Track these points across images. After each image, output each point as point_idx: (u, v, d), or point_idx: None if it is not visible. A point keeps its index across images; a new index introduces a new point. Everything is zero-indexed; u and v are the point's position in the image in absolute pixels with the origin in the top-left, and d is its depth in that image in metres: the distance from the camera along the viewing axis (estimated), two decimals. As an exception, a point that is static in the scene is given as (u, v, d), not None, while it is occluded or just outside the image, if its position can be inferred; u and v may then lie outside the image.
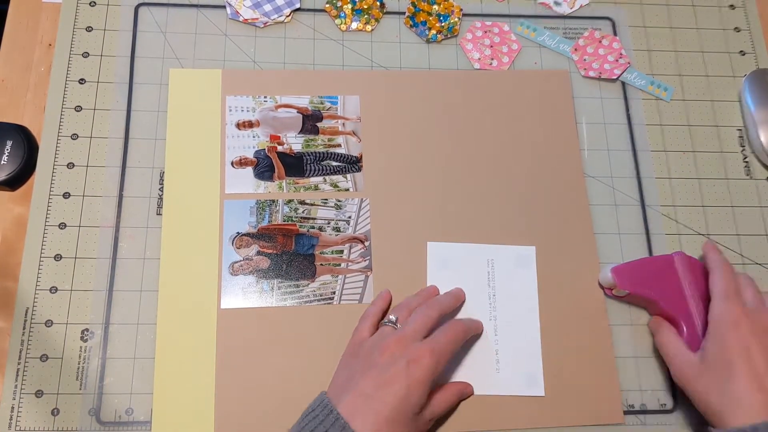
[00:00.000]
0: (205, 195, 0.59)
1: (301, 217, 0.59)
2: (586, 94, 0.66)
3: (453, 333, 0.52)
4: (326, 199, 0.59)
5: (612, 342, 0.57)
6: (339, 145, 0.61)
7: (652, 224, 0.62)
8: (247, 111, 0.61)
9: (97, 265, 0.56)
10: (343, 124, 0.62)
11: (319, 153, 0.61)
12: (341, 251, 0.58)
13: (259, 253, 0.58)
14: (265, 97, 0.62)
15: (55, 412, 0.52)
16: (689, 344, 0.53)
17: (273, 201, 0.59)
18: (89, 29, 0.64)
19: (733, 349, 0.49)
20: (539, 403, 0.55)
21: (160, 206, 0.58)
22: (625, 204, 0.63)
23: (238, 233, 0.58)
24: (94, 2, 0.65)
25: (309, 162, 0.60)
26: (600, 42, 0.68)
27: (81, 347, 0.54)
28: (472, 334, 0.55)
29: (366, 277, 0.58)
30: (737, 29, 0.71)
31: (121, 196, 0.59)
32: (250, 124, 0.61)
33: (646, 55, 0.69)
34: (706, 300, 0.54)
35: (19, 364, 0.53)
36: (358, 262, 0.58)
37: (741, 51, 0.70)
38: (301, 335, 0.55)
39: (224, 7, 0.66)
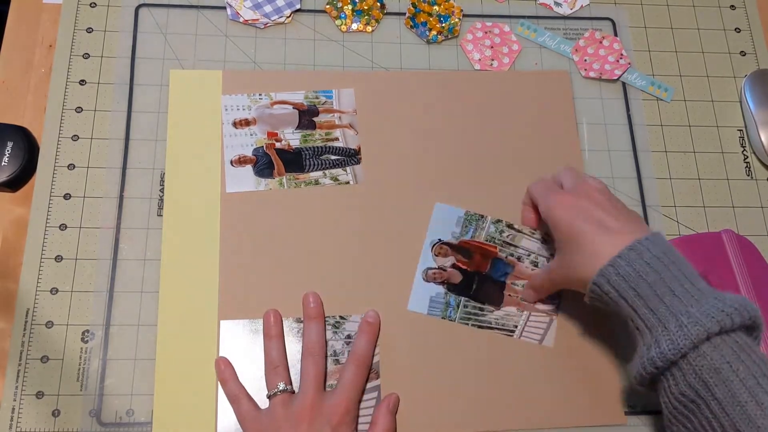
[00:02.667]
0: (206, 196, 0.59)
1: (504, 241, 0.58)
2: (587, 94, 0.66)
3: (355, 366, 0.52)
4: (534, 231, 0.59)
5: (612, 342, 0.58)
6: (336, 139, 0.61)
7: (653, 224, 0.62)
8: (243, 109, 0.61)
9: (98, 266, 0.56)
10: (340, 117, 0.62)
11: (318, 147, 0.61)
12: None
13: (454, 266, 0.57)
14: (260, 94, 0.62)
15: (55, 413, 0.52)
16: None
17: (481, 216, 0.59)
18: (90, 30, 0.64)
19: (568, 225, 0.49)
20: (541, 403, 0.55)
21: (160, 207, 0.58)
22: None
23: (440, 240, 0.58)
24: (95, 3, 0.65)
25: (308, 157, 0.60)
26: (600, 43, 0.68)
27: (82, 348, 0.54)
28: (375, 341, 0.54)
29: (551, 320, 0.57)
30: (737, 29, 0.71)
31: (121, 197, 0.59)
32: (247, 122, 0.61)
33: (647, 56, 0.69)
34: (756, 276, 0.55)
35: (19, 365, 0.53)
36: (546, 304, 0.57)
37: (741, 51, 0.70)
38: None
39: (225, 8, 0.66)
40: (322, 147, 0.61)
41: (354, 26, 0.67)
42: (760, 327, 0.44)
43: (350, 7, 0.67)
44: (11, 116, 0.61)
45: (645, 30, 0.70)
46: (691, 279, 0.45)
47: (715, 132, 0.67)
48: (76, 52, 0.63)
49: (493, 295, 0.57)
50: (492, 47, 0.67)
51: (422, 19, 0.67)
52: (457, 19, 0.67)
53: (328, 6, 0.67)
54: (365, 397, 0.53)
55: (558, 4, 0.70)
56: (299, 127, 0.61)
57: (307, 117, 0.62)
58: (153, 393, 0.53)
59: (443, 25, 0.67)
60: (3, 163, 0.57)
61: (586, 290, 0.48)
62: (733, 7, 0.72)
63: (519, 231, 0.58)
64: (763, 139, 0.64)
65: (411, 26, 0.67)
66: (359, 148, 0.61)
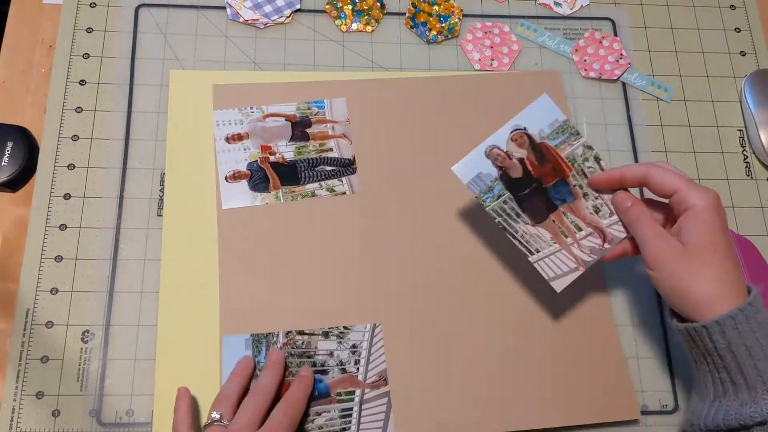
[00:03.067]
0: (207, 195, 0.58)
1: (582, 170, 0.53)
2: (587, 94, 0.66)
3: (290, 408, 0.49)
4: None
5: (619, 341, 0.58)
6: (331, 149, 0.61)
7: (653, 225, 0.62)
8: (235, 124, 0.61)
9: (98, 267, 0.56)
10: (333, 127, 0.62)
11: (312, 159, 0.60)
12: (580, 229, 0.52)
13: (521, 161, 0.53)
14: (251, 108, 0.61)
15: (55, 413, 0.52)
16: None
17: (578, 132, 0.52)
18: (90, 30, 0.64)
19: (720, 234, 0.46)
20: (552, 401, 0.55)
21: (160, 207, 0.58)
22: (625, 204, 0.63)
23: (525, 128, 0.53)
24: (95, 3, 0.65)
25: (303, 169, 0.60)
26: (600, 43, 0.68)
27: (81, 348, 0.54)
28: (308, 392, 0.52)
29: (577, 268, 0.52)
30: (737, 29, 0.71)
31: (121, 198, 0.59)
32: (239, 137, 0.60)
33: (647, 56, 0.69)
34: (756, 276, 0.55)
35: (19, 365, 0.53)
36: (583, 252, 0.52)
37: (741, 51, 0.70)
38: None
39: (224, 8, 0.66)
40: (316, 158, 0.60)
41: (354, 26, 0.67)
42: None
43: (350, 7, 0.67)
44: (11, 116, 0.61)
45: (645, 30, 0.70)
46: None
47: (715, 132, 0.67)
48: (76, 52, 0.63)
49: (537, 210, 0.52)
50: (492, 47, 0.67)
51: (422, 19, 0.67)
52: (456, 19, 0.67)
53: (328, 6, 0.67)
54: (375, 403, 0.53)
55: (558, 4, 0.70)
56: (292, 139, 0.61)
57: (299, 128, 0.61)
58: (153, 393, 0.53)
59: (443, 25, 0.67)
60: (3, 163, 0.57)
61: (682, 301, 0.46)
62: (733, 7, 0.72)
63: (603, 169, 0.53)
64: (763, 139, 0.64)
65: (411, 26, 0.67)
66: (354, 158, 0.61)
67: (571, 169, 0.53)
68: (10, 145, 0.58)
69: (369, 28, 0.67)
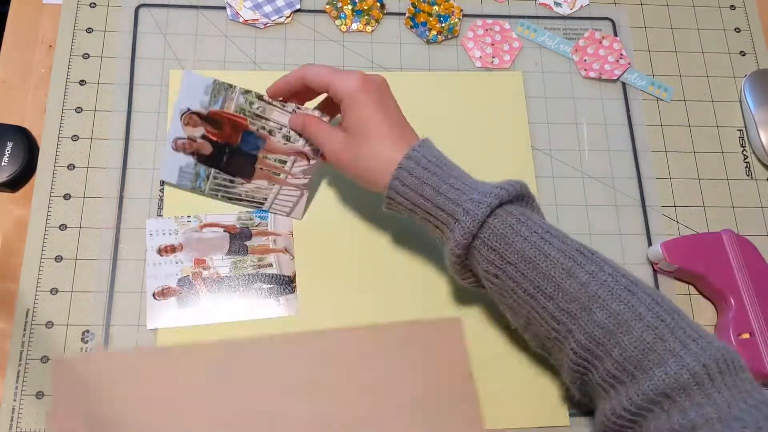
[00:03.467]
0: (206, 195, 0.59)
1: (255, 114, 0.55)
2: (587, 94, 0.66)
3: None
4: (285, 103, 0.55)
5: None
6: (270, 265, 0.57)
7: (653, 225, 0.62)
8: (170, 234, 0.57)
9: (98, 267, 0.56)
10: (275, 240, 0.58)
11: (249, 276, 0.56)
12: (285, 162, 0.56)
13: (204, 137, 0.56)
14: (188, 217, 0.58)
15: (55, 413, 0.52)
16: (737, 320, 0.55)
17: (230, 85, 0.54)
18: (89, 30, 0.64)
19: (370, 112, 0.50)
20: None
21: (160, 207, 0.58)
22: (625, 205, 0.63)
23: (189, 109, 0.55)
24: (95, 3, 0.65)
25: (238, 287, 0.56)
26: (600, 43, 0.68)
27: (81, 348, 0.54)
28: None
29: (301, 193, 0.57)
30: (737, 29, 0.71)
31: (121, 198, 0.59)
32: (173, 249, 0.57)
33: (647, 56, 0.69)
34: (755, 276, 0.56)
35: (19, 365, 0.53)
36: (298, 178, 0.56)
37: (741, 51, 0.70)
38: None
39: (224, 8, 0.66)
40: (254, 274, 0.56)
41: (354, 26, 0.67)
42: (531, 196, 0.50)
43: (350, 7, 0.67)
44: (11, 116, 0.61)
45: (645, 30, 0.70)
46: (463, 177, 0.49)
47: (715, 132, 0.67)
48: (76, 52, 0.63)
49: (243, 168, 0.56)
50: (493, 44, 0.67)
51: (422, 19, 0.67)
52: (456, 19, 0.67)
53: (328, 6, 0.67)
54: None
55: (558, 4, 0.70)
56: (230, 252, 0.57)
57: (239, 241, 0.57)
58: (153, 393, 0.53)
59: (443, 25, 0.67)
60: (3, 163, 0.57)
61: (366, 182, 0.51)
62: (733, 7, 0.72)
63: (269, 103, 0.55)
64: (763, 139, 0.64)
65: (411, 26, 0.67)
66: (294, 275, 0.57)
67: (245, 118, 0.55)
68: (10, 145, 0.58)
69: (369, 28, 0.67)
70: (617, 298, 0.44)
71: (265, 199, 0.56)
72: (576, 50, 0.68)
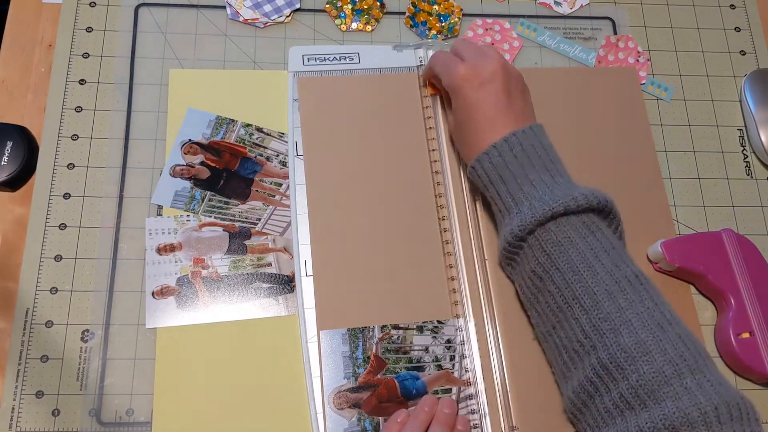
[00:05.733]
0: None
1: (254, 143, 0.59)
2: (587, 94, 0.66)
3: None
4: (283, 134, 0.60)
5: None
6: (269, 264, 0.57)
7: (653, 224, 0.62)
8: (169, 233, 0.57)
9: (98, 266, 0.56)
10: (274, 240, 0.58)
11: (248, 275, 0.56)
12: (280, 184, 0.59)
13: (202, 163, 0.58)
14: (187, 216, 0.58)
15: (55, 412, 0.52)
16: (736, 319, 0.55)
17: (232, 120, 0.59)
18: (89, 30, 0.64)
19: (465, 104, 0.54)
20: None
21: (160, 207, 0.58)
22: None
23: (189, 140, 0.59)
24: (94, 3, 0.65)
25: (237, 286, 0.56)
26: (617, 45, 0.68)
27: (81, 348, 0.54)
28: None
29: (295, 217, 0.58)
30: (737, 29, 0.71)
31: (121, 197, 0.59)
32: (172, 248, 0.56)
33: (647, 56, 0.69)
34: (755, 276, 0.57)
35: (19, 364, 0.53)
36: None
37: (741, 51, 0.70)
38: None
39: (224, 7, 0.66)
40: (253, 274, 0.56)
41: (354, 25, 0.66)
42: (614, 212, 0.51)
43: (350, 6, 0.67)
44: (11, 116, 0.61)
45: (645, 30, 0.70)
46: (552, 172, 0.51)
47: (715, 131, 0.67)
48: (75, 51, 0.63)
49: (239, 190, 0.58)
50: (493, 44, 0.67)
51: (422, 19, 0.67)
52: (456, 19, 0.67)
53: (327, 5, 0.67)
54: (461, 405, 0.53)
55: (558, 4, 0.70)
56: (229, 251, 0.57)
57: (238, 240, 0.57)
58: (153, 393, 0.53)
59: (443, 24, 0.67)
60: (3, 163, 0.57)
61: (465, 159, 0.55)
62: (733, 6, 0.72)
63: (268, 134, 0.59)
64: (763, 138, 0.64)
65: (411, 25, 0.67)
66: (293, 275, 0.57)
67: (244, 147, 0.59)
68: (9, 144, 0.58)
69: (369, 28, 0.67)
70: (647, 330, 0.45)
71: (259, 219, 0.57)
72: (599, 61, 0.67)
